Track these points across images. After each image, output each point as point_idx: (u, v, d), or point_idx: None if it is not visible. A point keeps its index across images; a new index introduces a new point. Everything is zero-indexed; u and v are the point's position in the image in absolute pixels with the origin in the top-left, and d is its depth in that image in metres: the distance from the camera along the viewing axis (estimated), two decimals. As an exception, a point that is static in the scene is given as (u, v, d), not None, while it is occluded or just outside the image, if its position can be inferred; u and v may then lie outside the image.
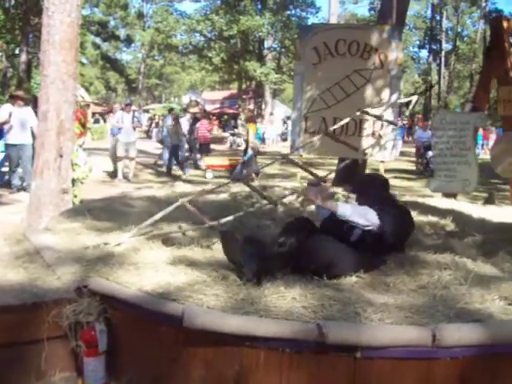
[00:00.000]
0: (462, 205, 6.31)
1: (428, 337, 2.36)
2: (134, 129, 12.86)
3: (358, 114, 5.85)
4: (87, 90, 41.21)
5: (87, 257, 3.53)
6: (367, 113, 5.75)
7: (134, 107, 14.19)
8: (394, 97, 7.28)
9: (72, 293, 3.08)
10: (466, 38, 54.70)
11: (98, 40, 51.83)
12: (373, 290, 3.07)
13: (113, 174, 12.74)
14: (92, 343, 2.99)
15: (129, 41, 54.95)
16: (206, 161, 14.78)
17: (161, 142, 16.47)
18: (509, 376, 2.53)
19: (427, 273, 3.30)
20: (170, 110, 17.64)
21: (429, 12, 50.84)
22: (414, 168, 18.29)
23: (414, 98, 7.38)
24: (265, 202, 4.15)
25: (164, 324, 2.72)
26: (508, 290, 2.91)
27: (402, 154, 23.57)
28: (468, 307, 2.72)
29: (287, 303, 2.69)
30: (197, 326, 2.50)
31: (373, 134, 7.32)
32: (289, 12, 34.67)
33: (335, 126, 6.20)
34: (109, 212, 4.93)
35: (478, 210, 5.87)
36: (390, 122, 6.38)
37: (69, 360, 3.13)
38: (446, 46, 51.75)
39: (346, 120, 5.81)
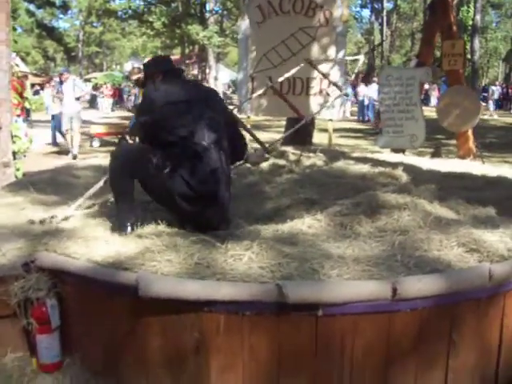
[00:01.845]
0: (410, 158, 6.40)
1: (388, 290, 2.35)
2: (78, 99, 12.09)
3: (302, 65, 5.82)
4: (24, 60, 39.55)
5: (33, 231, 3.37)
6: (313, 65, 5.72)
7: (73, 76, 13.09)
8: (341, 54, 7.25)
9: (19, 269, 2.93)
10: (406, -3, 55.16)
11: (32, 7, 49.42)
12: (328, 238, 3.05)
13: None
14: (44, 320, 2.86)
15: (65, 7, 52.57)
16: (92, 129, 14.06)
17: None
18: (465, 323, 2.57)
19: (385, 212, 3.30)
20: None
21: (370, -29, 50.90)
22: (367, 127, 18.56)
23: (361, 58, 7.40)
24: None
25: (117, 294, 2.62)
26: (465, 236, 2.93)
27: (350, 113, 23.90)
28: (427, 255, 2.73)
29: (244, 264, 2.63)
30: (152, 293, 2.41)
31: (320, 91, 7.30)
32: (231, -28, 33.95)
33: (281, 79, 6.14)
34: (54, 184, 4.73)
35: (426, 162, 5.97)
36: (335, 85, 6.35)
37: (20, 339, 2.99)
38: (388, 5, 52.04)
39: (294, 71, 5.75)
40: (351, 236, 3.09)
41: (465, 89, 7.49)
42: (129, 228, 3.25)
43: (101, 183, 3.94)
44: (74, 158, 11.39)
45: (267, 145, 4.73)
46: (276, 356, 2.44)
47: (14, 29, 40.80)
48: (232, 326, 2.43)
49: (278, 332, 2.41)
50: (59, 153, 12.27)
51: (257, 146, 4.80)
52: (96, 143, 13.61)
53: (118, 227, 3.28)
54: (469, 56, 25.68)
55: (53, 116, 13.21)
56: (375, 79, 21.50)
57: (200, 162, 3.21)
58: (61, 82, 11.88)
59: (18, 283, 2.86)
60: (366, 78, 25.99)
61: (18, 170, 6.77)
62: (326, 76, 6.53)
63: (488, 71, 53.32)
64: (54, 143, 13.38)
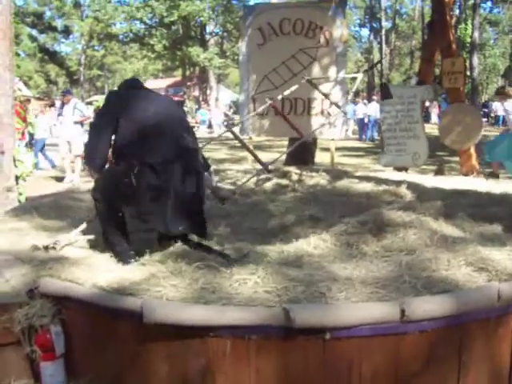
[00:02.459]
0: (413, 176, 6.39)
1: (396, 312, 2.32)
2: (80, 123, 11.42)
3: (303, 82, 5.85)
4: (26, 84, 39.85)
5: (37, 257, 3.34)
6: (313, 84, 5.75)
7: (75, 99, 12.23)
8: (341, 74, 7.30)
9: (23, 296, 2.90)
10: (404, 16, 55.75)
11: (34, 32, 50.02)
12: (335, 258, 3.03)
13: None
14: (48, 347, 2.83)
15: (67, 32, 53.18)
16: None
17: None
18: (475, 343, 2.54)
19: (391, 231, 3.28)
20: None
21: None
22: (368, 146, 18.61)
23: (360, 76, 7.43)
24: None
25: (122, 320, 2.59)
26: (473, 255, 2.91)
27: (353, 132, 23.95)
28: (435, 275, 2.71)
29: (250, 288, 2.60)
30: (157, 319, 2.38)
31: (322, 112, 7.32)
32: (229, -5, 34.32)
33: (280, 97, 6.17)
34: (57, 209, 4.72)
35: (429, 180, 5.96)
36: (335, 105, 6.39)
37: (24, 366, 2.95)
38: (386, 24, 52.49)
39: (293, 88, 5.78)
40: (357, 256, 3.07)
41: (466, 106, 7.51)
42: (132, 260, 3.22)
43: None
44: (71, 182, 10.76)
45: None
46: (283, 380, 2.40)
47: (17, 54, 41.26)
48: (238, 351, 2.39)
49: (285, 356, 2.38)
50: (57, 178, 12.02)
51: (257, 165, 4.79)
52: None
53: (121, 261, 3.26)
54: (468, 73, 25.79)
55: (35, 140, 12.87)
56: (375, 98, 21.61)
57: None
58: (62, 104, 11.45)
59: (21, 310, 2.83)
60: (368, 96, 26.09)
61: (20, 194, 6.76)
62: (325, 95, 6.57)
63: (487, 87, 53.54)
64: (53, 166, 13.23)
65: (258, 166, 4.96)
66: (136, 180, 3.19)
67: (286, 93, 6.07)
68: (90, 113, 12.22)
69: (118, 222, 3.38)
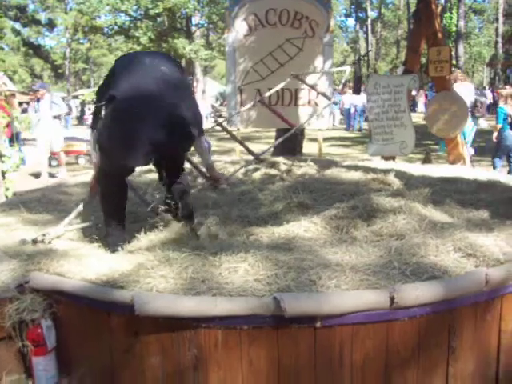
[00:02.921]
0: (401, 164, 6.42)
1: (386, 299, 2.34)
2: (59, 117, 11.45)
3: (289, 80, 5.85)
4: (11, 78, 39.37)
5: (26, 252, 3.32)
6: (300, 79, 5.75)
7: (50, 92, 11.63)
8: (328, 64, 7.29)
9: (13, 291, 2.89)
10: (390, 5, 55.84)
11: (17, 26, 49.41)
12: (325, 243, 3.04)
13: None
14: (39, 341, 2.82)
15: (51, 25, 52.61)
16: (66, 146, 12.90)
17: None
18: (464, 329, 2.57)
19: (381, 216, 3.30)
20: None
21: (353, -20, 51.46)
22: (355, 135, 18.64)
23: (348, 69, 7.44)
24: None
25: (114, 313, 2.59)
26: (461, 240, 2.94)
27: (340, 122, 24.00)
28: (424, 261, 2.73)
29: (240, 277, 2.61)
30: (149, 312, 2.39)
31: (309, 102, 7.32)
32: (214, -14, 34.13)
33: (268, 93, 6.18)
34: (45, 203, 4.68)
35: (417, 168, 5.99)
36: (324, 95, 6.40)
37: (16, 362, 2.95)
38: (372, 14, 52.60)
39: (281, 85, 5.78)
40: (347, 240, 3.09)
41: (452, 94, 7.54)
42: (119, 249, 3.23)
43: (87, 199, 3.94)
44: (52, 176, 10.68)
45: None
46: (275, 369, 2.42)
47: (1, 48, 40.76)
48: (230, 341, 2.41)
49: (277, 345, 2.40)
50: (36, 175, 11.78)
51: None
52: (82, 160, 13.29)
53: (110, 251, 3.27)
54: (454, 61, 25.89)
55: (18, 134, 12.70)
56: (362, 88, 21.66)
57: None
58: (38, 100, 10.99)
59: (12, 305, 2.82)
60: (356, 87, 26.10)
61: (7, 189, 6.73)
62: (313, 88, 6.57)
63: (473, 76, 53.83)
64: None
65: (247, 157, 4.97)
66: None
67: (274, 90, 6.08)
68: (64, 107, 11.86)
69: (117, 206, 3.39)
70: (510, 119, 8.99)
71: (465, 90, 9.95)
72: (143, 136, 3.10)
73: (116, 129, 3.15)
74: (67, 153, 12.78)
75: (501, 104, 9.30)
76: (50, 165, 11.83)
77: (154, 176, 4.43)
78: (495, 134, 9.32)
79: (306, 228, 3.28)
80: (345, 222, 3.30)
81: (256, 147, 10.53)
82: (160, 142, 3.13)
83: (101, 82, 3.61)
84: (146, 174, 5.35)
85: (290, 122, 6.39)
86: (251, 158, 5.92)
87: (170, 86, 3.25)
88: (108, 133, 3.18)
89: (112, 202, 3.38)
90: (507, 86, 29.14)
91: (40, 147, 11.04)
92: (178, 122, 3.20)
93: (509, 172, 9.05)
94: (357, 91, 23.81)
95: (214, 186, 4.06)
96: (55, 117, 11.07)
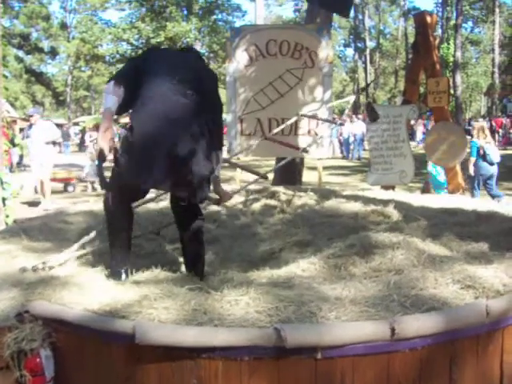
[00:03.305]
0: (401, 194, 6.45)
1: (386, 330, 2.34)
2: (52, 143, 11.15)
3: (296, 118, 5.94)
4: (12, 105, 39.71)
5: (26, 280, 3.31)
6: (309, 116, 5.86)
7: (43, 121, 11.54)
8: (327, 94, 7.38)
9: (12, 320, 2.88)
10: (388, 36, 56.68)
11: (20, 53, 50.06)
12: (324, 280, 3.05)
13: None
14: (38, 371, 2.80)
15: (53, 53, 53.33)
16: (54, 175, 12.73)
17: None
18: (465, 359, 2.56)
19: (379, 252, 3.31)
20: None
21: (352, 11, 52.26)
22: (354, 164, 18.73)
23: (352, 99, 7.53)
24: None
25: (114, 343, 2.58)
26: (460, 272, 2.95)
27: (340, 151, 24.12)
28: (423, 294, 2.73)
29: (241, 309, 2.61)
30: (150, 341, 2.38)
31: (309, 132, 7.39)
32: (215, 16, 34.68)
33: (275, 131, 6.25)
34: (45, 231, 4.69)
35: (416, 199, 6.01)
36: (328, 121, 6.47)
37: (13, 392, 2.93)
38: (370, 44, 53.33)
39: (288, 123, 5.87)
40: (346, 277, 3.10)
41: (451, 124, 7.62)
42: (123, 275, 3.23)
43: (94, 233, 3.94)
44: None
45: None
46: (276, 401, 2.40)
47: (5, 76, 41.09)
48: (231, 372, 2.39)
49: (278, 376, 2.38)
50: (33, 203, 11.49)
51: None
52: (71, 188, 13.29)
53: (112, 274, 3.27)
54: (452, 91, 26.17)
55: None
56: (360, 116, 21.83)
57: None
58: (30, 126, 10.86)
59: (11, 334, 2.80)
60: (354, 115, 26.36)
61: (7, 216, 6.74)
62: (316, 117, 6.65)
63: (471, 105, 54.32)
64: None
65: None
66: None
67: (278, 129, 6.16)
68: (57, 133, 11.75)
69: (124, 233, 3.38)
70: (481, 151, 9.27)
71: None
72: (160, 161, 3.13)
73: (136, 147, 3.17)
74: (55, 180, 12.66)
75: (474, 138, 9.50)
76: (35, 191, 11.73)
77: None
78: (471, 168, 9.48)
79: (304, 268, 3.30)
80: (343, 260, 3.31)
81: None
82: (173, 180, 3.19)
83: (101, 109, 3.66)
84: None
85: (293, 145, 6.44)
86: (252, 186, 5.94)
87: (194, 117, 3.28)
88: (128, 149, 3.20)
89: (119, 226, 3.37)
90: (480, 119, 29.65)
91: (34, 173, 10.98)
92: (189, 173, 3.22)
93: (490, 195, 9.43)
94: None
95: (217, 203, 4.00)
96: (47, 143, 10.91)
